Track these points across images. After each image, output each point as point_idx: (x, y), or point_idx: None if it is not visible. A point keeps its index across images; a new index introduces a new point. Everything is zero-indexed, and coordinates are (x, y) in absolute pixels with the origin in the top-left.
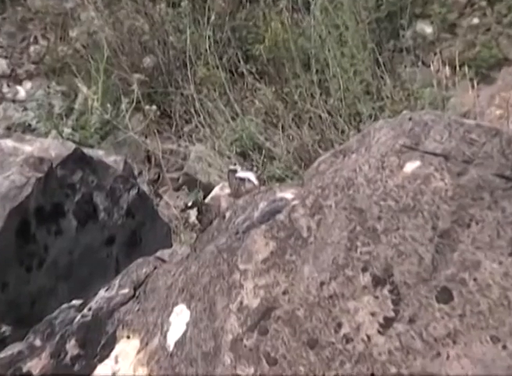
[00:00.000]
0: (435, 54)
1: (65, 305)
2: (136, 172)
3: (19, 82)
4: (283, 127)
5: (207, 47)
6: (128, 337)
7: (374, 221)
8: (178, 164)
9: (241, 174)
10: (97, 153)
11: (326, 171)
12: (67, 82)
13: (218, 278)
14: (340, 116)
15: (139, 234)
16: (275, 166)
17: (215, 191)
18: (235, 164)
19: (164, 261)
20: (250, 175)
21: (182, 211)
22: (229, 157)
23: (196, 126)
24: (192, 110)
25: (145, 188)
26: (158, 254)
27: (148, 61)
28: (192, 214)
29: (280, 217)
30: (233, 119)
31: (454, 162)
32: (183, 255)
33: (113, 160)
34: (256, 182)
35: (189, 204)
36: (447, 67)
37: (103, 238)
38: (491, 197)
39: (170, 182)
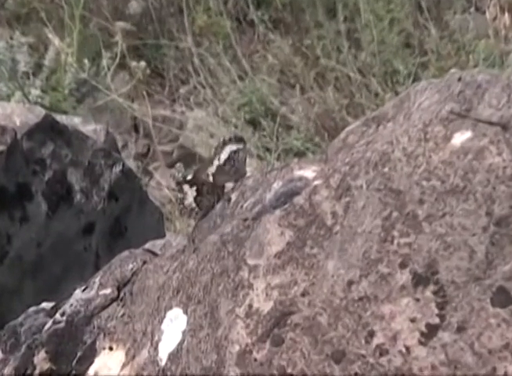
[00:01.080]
0: None
1: (32, 309)
2: (120, 145)
3: None
4: (302, 88)
5: None
6: (111, 348)
7: (415, 205)
8: (173, 134)
9: (232, 146)
10: (72, 120)
11: (355, 144)
12: (35, 32)
13: (222, 276)
14: (374, 75)
15: (124, 221)
16: (292, 137)
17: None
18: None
19: (154, 254)
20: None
21: (177, 190)
22: (236, 126)
23: (195, 87)
24: (190, 68)
25: (131, 164)
26: (148, 246)
27: (135, 6)
28: (190, 195)
29: (299, 200)
30: (241, 78)
31: None
32: (178, 248)
33: (92, 129)
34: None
35: (186, 177)
36: (506, 14)
37: (80, 226)
38: None
39: (162, 157)
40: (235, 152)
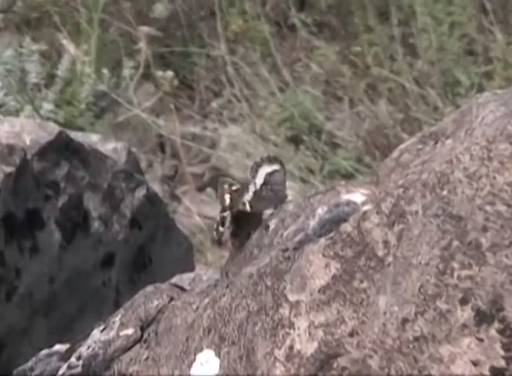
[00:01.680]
0: None
1: (44, 352)
2: (144, 166)
3: None
4: (350, 101)
5: None
6: None
7: (477, 233)
8: (204, 154)
9: (266, 168)
10: (89, 138)
11: (409, 164)
12: (47, 39)
13: (259, 313)
14: (432, 86)
15: (148, 252)
16: (339, 156)
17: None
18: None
19: (182, 289)
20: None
21: (209, 219)
22: (276, 144)
23: (229, 101)
24: (224, 78)
25: (156, 188)
26: (175, 280)
27: (160, 9)
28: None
29: (346, 227)
30: (281, 90)
31: None
32: (210, 282)
33: (111, 148)
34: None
35: (220, 209)
36: None
37: (98, 258)
38: None
39: (192, 180)
40: (270, 174)
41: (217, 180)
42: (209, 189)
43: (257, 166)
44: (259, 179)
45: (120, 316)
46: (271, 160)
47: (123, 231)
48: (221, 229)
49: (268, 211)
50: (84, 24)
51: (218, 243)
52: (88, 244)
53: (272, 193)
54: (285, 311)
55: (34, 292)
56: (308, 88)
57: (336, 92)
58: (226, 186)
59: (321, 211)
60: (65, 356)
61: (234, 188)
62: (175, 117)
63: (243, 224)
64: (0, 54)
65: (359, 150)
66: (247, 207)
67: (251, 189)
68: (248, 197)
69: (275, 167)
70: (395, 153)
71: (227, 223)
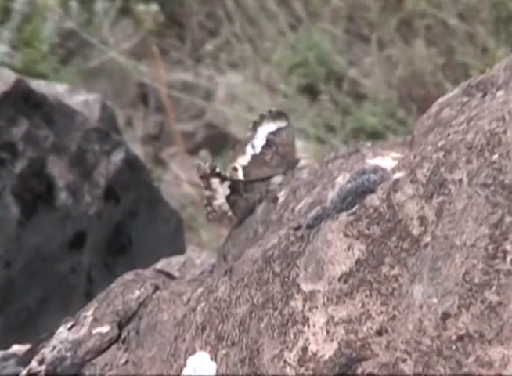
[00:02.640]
0: None
1: None
2: (122, 123)
3: None
4: (379, 41)
5: None
6: None
7: None
8: (196, 107)
9: (269, 126)
10: (54, 88)
11: (452, 121)
12: None
13: (265, 307)
14: (481, 22)
15: (128, 231)
16: (365, 110)
17: None
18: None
19: (170, 277)
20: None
21: (204, 186)
22: (286, 95)
23: (228, 41)
24: (221, 13)
25: (137, 150)
26: (161, 265)
27: None
28: (221, 193)
29: (373, 200)
30: (293, 28)
31: None
32: (204, 267)
33: (82, 101)
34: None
35: (216, 168)
36: None
37: (65, 238)
38: None
39: (181, 140)
40: (275, 133)
41: (214, 139)
42: (203, 152)
43: (256, 124)
44: (259, 140)
45: (92, 310)
46: (274, 115)
47: (96, 204)
48: (210, 207)
49: (276, 180)
50: None
51: (210, 219)
52: (53, 219)
53: (277, 157)
54: (297, 304)
55: None
56: (326, 26)
57: (361, 30)
58: (205, 166)
59: (342, 179)
60: (24, 360)
61: (218, 170)
62: (160, 62)
63: (244, 192)
64: None
65: (390, 103)
66: (239, 175)
67: (248, 152)
68: (244, 161)
69: (281, 124)
70: (434, 108)
71: (217, 201)
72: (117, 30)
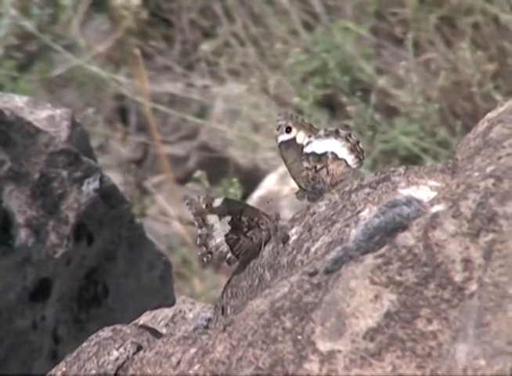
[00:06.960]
0: None
1: None
2: (97, 144)
3: None
4: (416, 45)
5: None
6: None
7: None
8: (188, 125)
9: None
10: (12, 101)
11: (504, 141)
12: None
13: (274, 371)
14: None
15: (103, 279)
16: (398, 128)
17: (268, 185)
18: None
19: (156, 334)
20: (336, 145)
21: (197, 224)
22: (300, 110)
23: (227, 43)
24: (219, 9)
25: (115, 178)
26: (144, 319)
27: None
28: (220, 231)
29: (406, 239)
30: (308, 28)
31: None
32: (198, 322)
33: (46, 116)
34: (352, 160)
35: (213, 202)
36: None
37: (25, 286)
38: None
39: (169, 166)
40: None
41: (209, 165)
42: (197, 176)
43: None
44: None
45: (59, 374)
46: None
47: (63, 245)
48: (205, 248)
49: (286, 213)
50: None
51: (205, 263)
52: (10, 264)
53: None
54: (313, 367)
55: None
56: (349, 24)
57: (392, 29)
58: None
59: (368, 213)
60: None
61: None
62: (143, 70)
63: (248, 230)
64: None
65: (428, 120)
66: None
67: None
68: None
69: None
70: (483, 125)
71: (214, 241)
72: (89, 28)
